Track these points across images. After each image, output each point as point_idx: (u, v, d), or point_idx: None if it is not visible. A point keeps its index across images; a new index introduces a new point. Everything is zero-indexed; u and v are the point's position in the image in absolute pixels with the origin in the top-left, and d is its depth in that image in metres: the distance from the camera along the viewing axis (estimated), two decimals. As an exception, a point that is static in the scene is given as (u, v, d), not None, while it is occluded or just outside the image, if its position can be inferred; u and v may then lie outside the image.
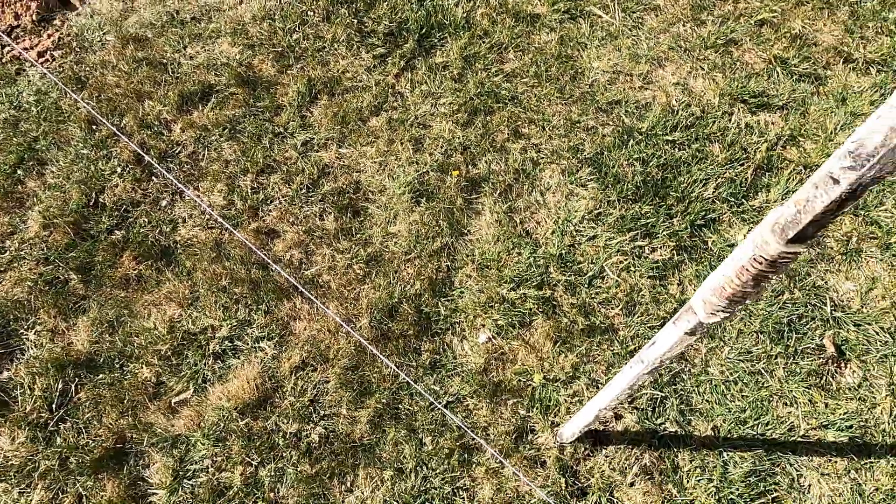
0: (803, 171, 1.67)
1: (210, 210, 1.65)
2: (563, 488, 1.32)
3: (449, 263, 1.59)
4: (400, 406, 1.42)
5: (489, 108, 1.80)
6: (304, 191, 1.69)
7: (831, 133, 1.70)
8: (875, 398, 1.39)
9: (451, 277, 1.57)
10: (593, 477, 1.33)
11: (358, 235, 1.63)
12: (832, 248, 1.57)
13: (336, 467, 1.36)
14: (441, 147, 1.74)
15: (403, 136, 1.75)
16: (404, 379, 1.44)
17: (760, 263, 0.63)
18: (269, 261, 1.58)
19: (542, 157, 1.72)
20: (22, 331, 1.52)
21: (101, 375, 1.46)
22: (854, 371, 1.43)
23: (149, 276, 1.58)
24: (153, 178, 1.72)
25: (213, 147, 1.76)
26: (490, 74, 1.85)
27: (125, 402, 1.42)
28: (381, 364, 1.46)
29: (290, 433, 1.39)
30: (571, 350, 1.46)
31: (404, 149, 1.74)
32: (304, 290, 1.55)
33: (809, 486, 1.32)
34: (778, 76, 1.80)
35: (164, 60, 1.92)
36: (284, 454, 1.37)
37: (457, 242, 1.61)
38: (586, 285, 1.54)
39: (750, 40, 1.87)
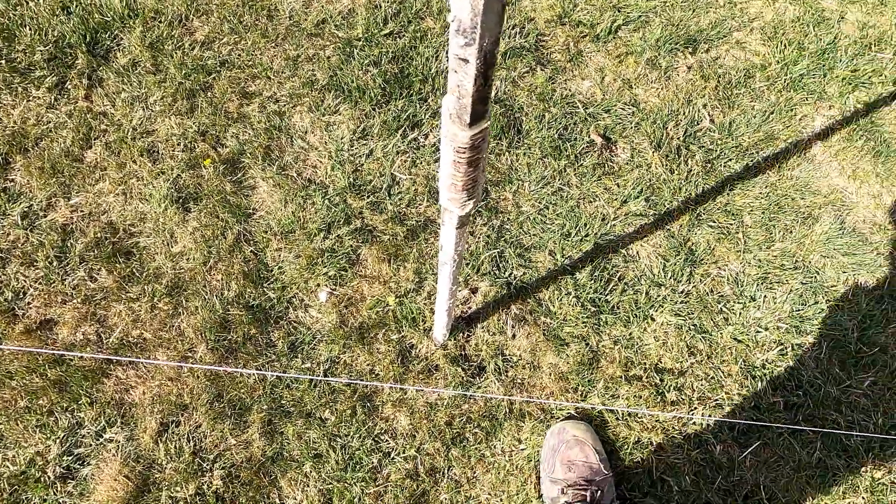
0: (507, 5, 1.78)
1: (-44, 342, 1.36)
2: (464, 376, 1.37)
3: (252, 249, 1.49)
4: (283, 402, 1.35)
5: (204, 83, 1.66)
6: (54, 264, 1.45)
7: (511, -35, 1.82)
8: (645, 158, 1.61)
9: (262, 260, 1.48)
10: (482, 350, 1.40)
11: (144, 274, 1.45)
12: (560, 60, 1.73)
13: (255, 494, 1.28)
14: (178, 144, 1.58)
15: (132, 154, 1.56)
16: (273, 375, 1.36)
17: (464, 152, 0.67)
18: (61, 353, 1.36)
19: (284, 105, 1.64)
20: None
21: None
22: (623, 147, 1.63)
23: (-75, 450, 1.28)
24: None
25: (-86, 275, 1.43)
26: (185, 51, 1.70)
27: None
28: (243, 377, 1.36)
29: (191, 495, 1.26)
30: (406, 259, 1.48)
31: (141, 165, 1.55)
32: (118, 358, 1.36)
33: (637, 252, 1.51)
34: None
35: None
36: (196, 518, 1.24)
37: (248, 226, 1.51)
38: (388, 197, 1.55)
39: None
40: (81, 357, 1.36)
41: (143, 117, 1.62)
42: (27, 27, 1.69)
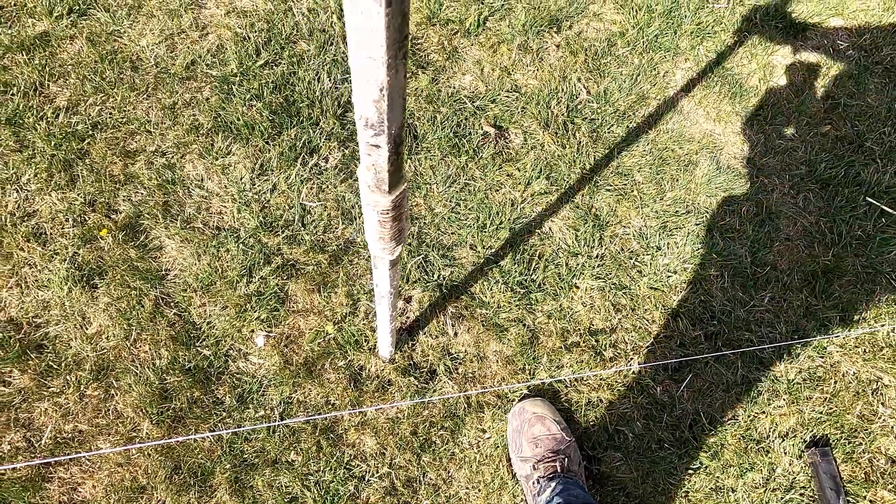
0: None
1: None
2: (418, 383, 1.41)
3: (175, 311, 1.44)
4: (245, 456, 1.33)
5: (79, 150, 1.56)
6: (-42, 377, 1.33)
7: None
8: (538, 139, 1.70)
9: (188, 319, 1.43)
10: (429, 355, 1.44)
11: (62, 365, 1.37)
12: (438, 60, 1.78)
13: (239, 555, 1.26)
14: (66, 220, 1.49)
15: (17, 241, 1.45)
16: (228, 433, 1.33)
17: (387, 213, 0.71)
18: (-11, 470, 1.26)
19: (172, 156, 1.58)
20: None
21: None
22: (515, 132, 1.72)
23: None
24: None
25: None
26: (49, 120, 1.59)
27: None
28: (197, 441, 1.32)
29: (172, 576, 1.22)
30: (335, 285, 1.49)
31: (30, 251, 1.45)
32: (56, 458, 1.28)
33: (549, 228, 1.61)
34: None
35: None
36: None
37: (164, 288, 1.46)
38: (303, 228, 1.54)
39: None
40: (15, 468, 1.27)
41: (18, 200, 1.50)
42: None
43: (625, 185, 1.66)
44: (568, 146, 1.69)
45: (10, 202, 1.49)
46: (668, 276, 1.56)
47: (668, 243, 1.60)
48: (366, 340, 1.44)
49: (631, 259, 1.58)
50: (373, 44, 0.46)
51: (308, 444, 1.34)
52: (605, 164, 1.69)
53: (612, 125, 1.74)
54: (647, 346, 1.49)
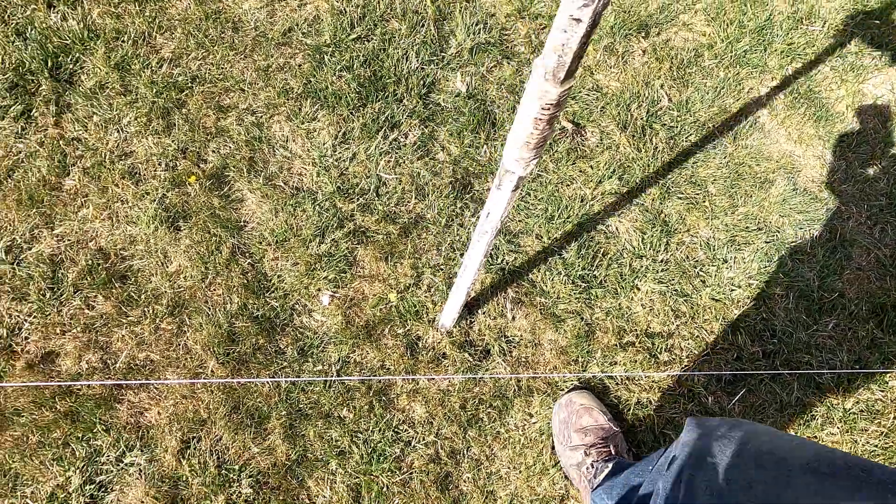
0: (466, 4, 1.85)
1: (-47, 385, 1.33)
2: (472, 359, 1.44)
3: (249, 260, 1.51)
4: (301, 406, 1.38)
5: (178, 100, 1.65)
6: (47, 296, 1.43)
7: (467, -37, 1.89)
8: (614, 139, 1.71)
9: (261, 270, 1.50)
10: (486, 335, 1.47)
11: (142, 297, 1.45)
12: (524, 52, 1.81)
13: (285, 497, 1.31)
14: (160, 164, 1.57)
15: (113, 177, 1.55)
16: (287, 382, 1.39)
17: (549, 109, 0.71)
18: (67, 383, 1.35)
19: (261, 116, 1.66)
20: None
21: None
22: (592, 131, 1.73)
23: (-63, 498, 1.25)
24: None
25: None
26: (154, 69, 1.68)
27: None
28: (258, 386, 1.39)
29: (221, 507, 1.28)
30: (402, 256, 1.53)
31: (124, 188, 1.54)
32: (127, 382, 1.36)
33: (616, 228, 1.62)
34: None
35: None
36: (231, 528, 1.27)
37: (242, 238, 1.53)
38: (376, 198, 1.59)
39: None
40: (90, 386, 1.35)
41: (118, 140, 1.60)
42: (-18, 56, 1.63)
43: (697, 194, 1.66)
44: (644, 150, 1.70)
45: (110, 140, 1.59)
46: (732, 290, 1.56)
47: (735, 257, 1.59)
48: (426, 313, 1.47)
49: (695, 268, 1.58)
50: None
51: (361, 404, 1.39)
52: (679, 171, 1.69)
53: (691, 134, 1.73)
54: (703, 355, 1.48)
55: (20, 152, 1.56)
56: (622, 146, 1.70)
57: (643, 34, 1.86)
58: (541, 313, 1.50)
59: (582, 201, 1.63)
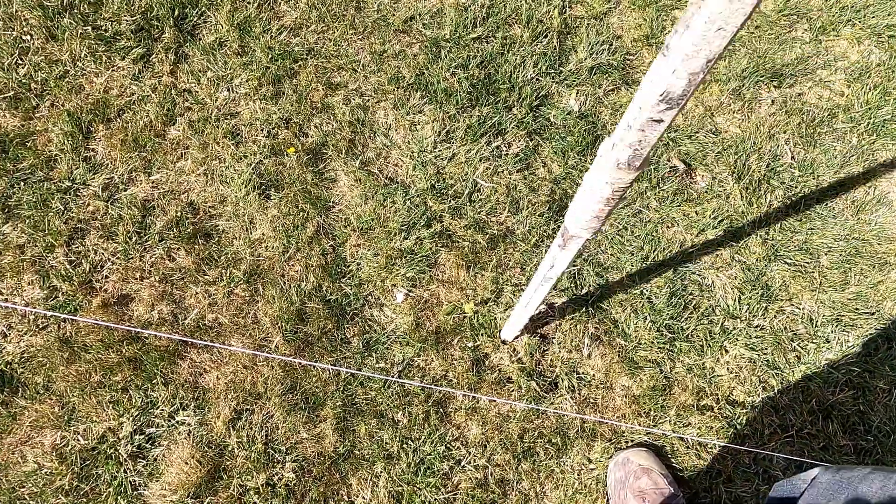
0: (594, 21, 1.78)
1: (30, 309, 1.35)
2: (539, 389, 1.37)
3: (331, 243, 1.48)
4: (357, 400, 1.35)
5: (290, 70, 1.65)
6: (133, 239, 1.44)
7: (602, -20, 1.82)
8: (726, 189, 1.61)
9: (341, 255, 1.47)
10: (556, 367, 1.40)
11: (222, 258, 1.44)
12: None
13: (325, 490, 1.27)
14: (262, 129, 1.57)
15: (216, 135, 1.55)
16: (347, 372, 1.36)
17: (621, 191, 0.72)
18: (137, 329, 1.35)
19: (369, 99, 1.63)
20: None
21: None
22: (703, 175, 1.63)
23: (-3, 416, 1.27)
24: (-68, 305, 1.35)
25: (-7, 237, 1.41)
26: (273, 35, 1.68)
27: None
28: (318, 371, 1.36)
29: (262, 485, 1.26)
30: (485, 268, 1.48)
31: (224, 147, 1.54)
32: (193, 340, 1.36)
33: (712, 282, 1.51)
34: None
35: None
36: (267, 509, 1.24)
37: (328, 219, 1.50)
38: (468, 203, 1.54)
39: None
40: (158, 336, 1.35)
41: (227, 98, 1.60)
42: (115, -5, 1.66)
43: (807, 263, 1.54)
44: (756, 204, 1.59)
45: (219, 97, 1.60)
46: (830, 373, 1.43)
47: (839, 338, 1.46)
48: (500, 331, 1.41)
49: (793, 341, 1.46)
50: (731, 18, 0.47)
51: (417, 410, 1.34)
52: (790, 234, 1.57)
53: (811, 198, 1.61)
54: (787, 436, 1.37)
55: (133, 94, 1.58)
56: (733, 197, 1.60)
57: (775, 83, 1.74)
58: (618, 355, 1.42)
59: (681, 246, 1.54)
